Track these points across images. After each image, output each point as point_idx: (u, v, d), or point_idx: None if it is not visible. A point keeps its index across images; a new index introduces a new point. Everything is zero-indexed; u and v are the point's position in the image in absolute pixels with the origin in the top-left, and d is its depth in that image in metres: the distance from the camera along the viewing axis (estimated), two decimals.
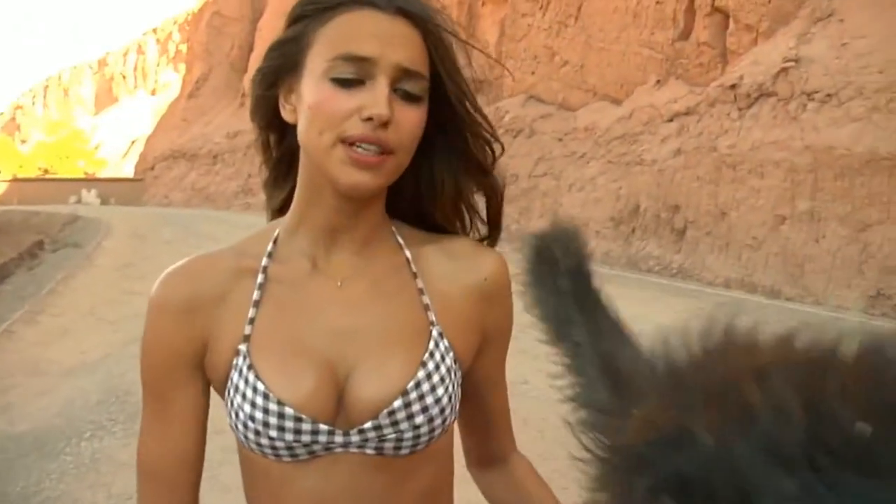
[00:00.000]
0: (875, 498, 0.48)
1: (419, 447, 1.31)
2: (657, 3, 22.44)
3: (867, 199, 14.27)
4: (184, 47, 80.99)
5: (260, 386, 1.26)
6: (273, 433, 1.25)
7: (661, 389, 0.61)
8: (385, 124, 1.20)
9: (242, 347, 1.29)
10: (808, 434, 0.51)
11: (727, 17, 20.12)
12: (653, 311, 12.74)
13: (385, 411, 1.26)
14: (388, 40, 1.22)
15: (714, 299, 14.29)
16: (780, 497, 0.50)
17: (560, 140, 24.66)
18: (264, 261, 1.34)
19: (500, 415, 1.48)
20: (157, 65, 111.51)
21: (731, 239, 16.76)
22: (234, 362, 1.29)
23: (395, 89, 1.23)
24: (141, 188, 62.91)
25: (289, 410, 1.25)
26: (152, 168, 61.77)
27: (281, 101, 1.32)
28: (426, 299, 1.35)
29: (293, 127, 1.31)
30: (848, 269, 14.02)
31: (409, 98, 1.24)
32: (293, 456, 1.28)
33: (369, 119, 1.19)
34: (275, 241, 1.37)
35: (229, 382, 1.30)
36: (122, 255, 20.83)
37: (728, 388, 0.55)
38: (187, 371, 1.33)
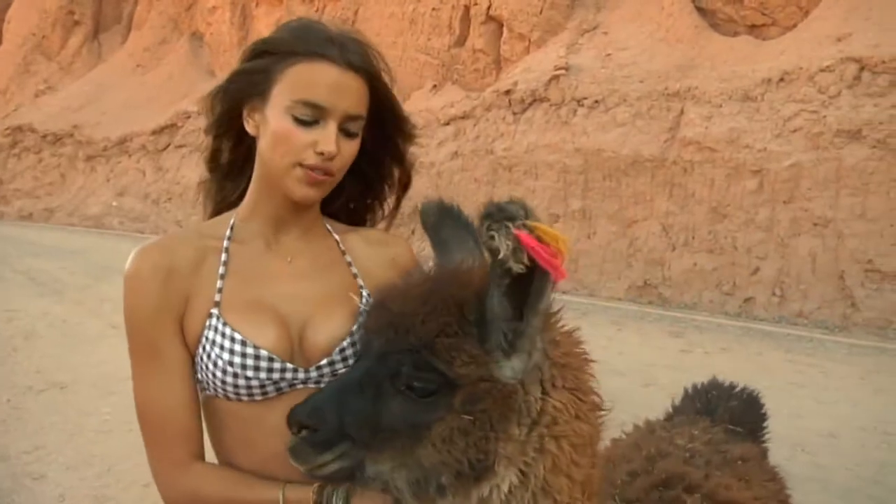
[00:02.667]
0: None
1: None
2: (433, 10, 22.84)
3: (633, 198, 15.22)
4: None
5: (237, 336, 1.58)
6: (250, 373, 1.57)
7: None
8: (333, 157, 1.60)
9: (214, 311, 1.61)
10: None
11: (501, 25, 20.87)
12: None
13: (337, 349, 1.63)
14: (338, 92, 1.60)
15: None
16: None
17: None
18: (226, 242, 1.70)
19: None
20: None
21: None
22: (208, 323, 1.61)
23: (340, 128, 1.61)
24: None
25: (263, 352, 1.58)
26: None
27: (245, 116, 1.68)
28: (354, 269, 1.78)
29: (249, 136, 1.70)
30: (617, 262, 14.86)
31: (350, 135, 1.64)
32: (264, 394, 1.60)
33: (321, 153, 1.59)
34: (231, 227, 1.72)
35: (203, 340, 1.60)
36: None
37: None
38: (173, 325, 1.62)
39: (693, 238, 14.24)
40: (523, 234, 1.17)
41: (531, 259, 1.18)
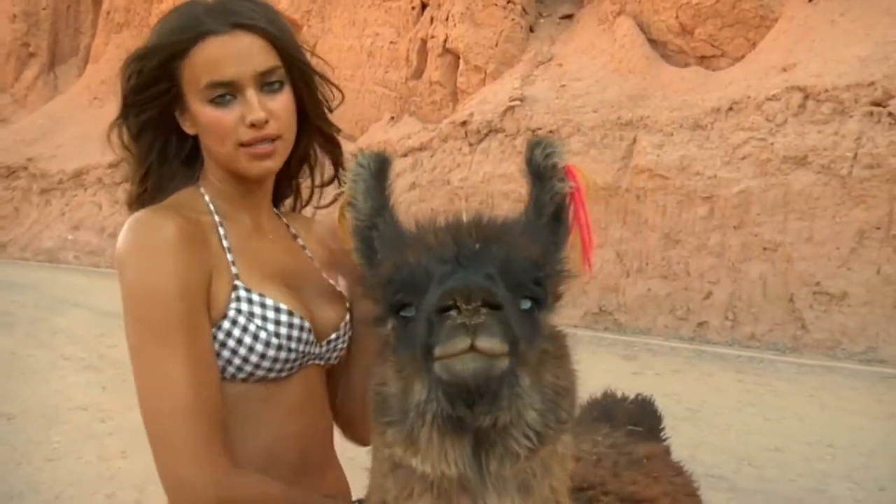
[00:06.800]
0: None
1: (342, 354, 1.70)
2: (391, 43, 23.04)
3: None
4: None
5: (283, 306, 1.52)
6: (293, 344, 1.52)
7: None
8: (265, 122, 1.54)
9: (240, 283, 1.52)
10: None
11: (458, 58, 21.07)
12: None
13: (342, 324, 1.65)
14: (237, 58, 1.52)
15: None
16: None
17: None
18: (216, 217, 1.61)
19: None
20: None
21: None
22: (235, 295, 1.50)
23: (261, 89, 1.55)
24: None
25: (307, 324, 1.55)
26: None
27: (179, 119, 1.62)
28: (308, 253, 1.76)
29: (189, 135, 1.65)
30: (573, 289, 14.89)
31: (274, 90, 1.57)
32: (289, 370, 1.55)
33: (252, 125, 1.53)
34: (208, 203, 1.63)
35: (234, 314, 1.48)
36: None
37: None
38: (204, 299, 1.48)
39: (647, 264, 14.39)
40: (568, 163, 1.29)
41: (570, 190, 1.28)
